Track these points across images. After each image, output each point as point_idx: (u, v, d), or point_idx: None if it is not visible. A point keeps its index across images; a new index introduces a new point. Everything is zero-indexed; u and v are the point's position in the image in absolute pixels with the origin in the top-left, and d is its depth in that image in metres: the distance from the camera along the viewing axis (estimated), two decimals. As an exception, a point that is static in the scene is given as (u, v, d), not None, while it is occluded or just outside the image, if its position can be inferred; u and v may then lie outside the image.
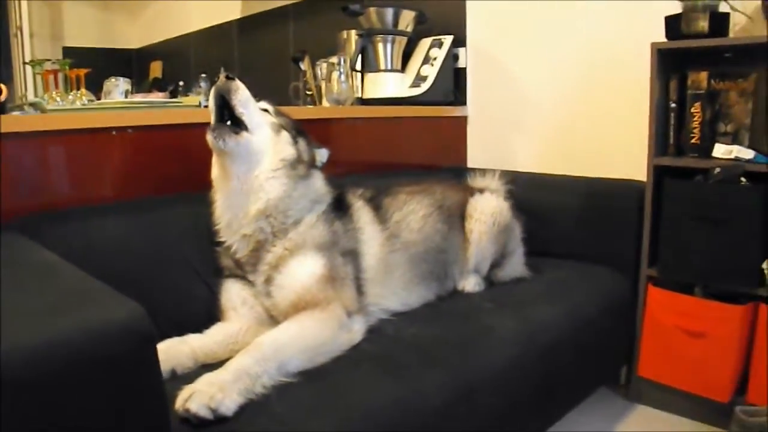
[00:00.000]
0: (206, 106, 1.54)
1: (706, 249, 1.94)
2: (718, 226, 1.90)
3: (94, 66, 2.77)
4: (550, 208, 2.32)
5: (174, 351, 1.35)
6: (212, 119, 1.51)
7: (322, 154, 1.68)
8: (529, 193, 2.28)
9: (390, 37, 2.75)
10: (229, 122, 1.49)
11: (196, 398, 1.08)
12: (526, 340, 1.62)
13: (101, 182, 1.71)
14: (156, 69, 5.01)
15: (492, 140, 2.88)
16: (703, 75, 2.03)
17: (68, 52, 4.64)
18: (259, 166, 1.51)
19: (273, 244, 1.52)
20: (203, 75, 3.47)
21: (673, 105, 2.09)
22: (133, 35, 5.35)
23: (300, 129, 1.64)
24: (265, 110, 1.59)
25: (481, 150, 2.91)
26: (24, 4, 4.57)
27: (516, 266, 2.05)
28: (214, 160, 1.57)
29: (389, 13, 2.74)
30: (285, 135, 1.57)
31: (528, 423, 1.65)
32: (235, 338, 1.46)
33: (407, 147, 2.69)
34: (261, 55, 4.03)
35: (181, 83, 3.78)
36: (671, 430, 2.03)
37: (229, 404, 1.10)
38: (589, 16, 2.46)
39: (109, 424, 0.87)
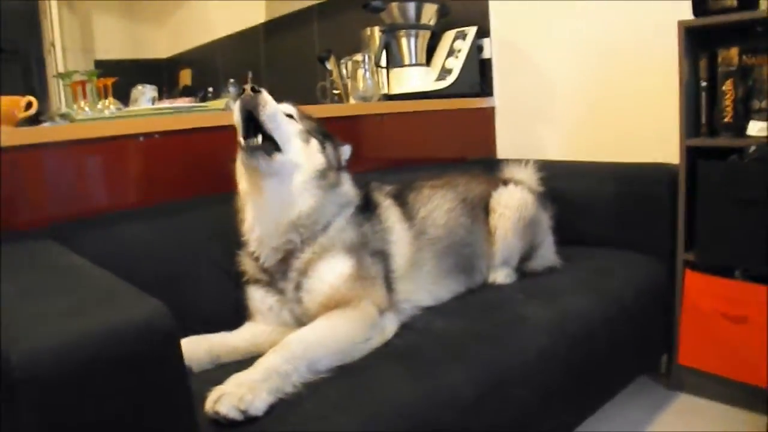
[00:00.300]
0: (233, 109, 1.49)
1: (745, 230, 1.88)
2: (757, 206, 1.84)
3: (126, 77, 2.81)
4: (582, 196, 2.28)
5: (191, 348, 1.34)
6: (240, 134, 1.45)
7: (345, 152, 1.66)
8: (560, 182, 2.26)
9: (413, 32, 2.74)
10: (260, 136, 1.43)
11: (226, 400, 1.08)
12: (558, 330, 1.59)
13: (130, 188, 1.74)
14: (185, 77, 5.08)
15: (521, 130, 2.84)
16: (734, 51, 1.96)
17: (99, 64, 4.72)
18: (292, 180, 1.48)
19: (302, 251, 1.50)
20: (231, 80, 3.52)
21: (703, 84, 2.03)
22: (161, 45, 5.43)
23: (325, 131, 1.62)
24: (290, 116, 1.53)
25: (510, 140, 2.88)
26: (56, 20, 4.69)
27: (546, 256, 2.02)
28: (242, 171, 1.53)
29: (411, 7, 2.72)
30: (314, 143, 1.54)
31: (563, 414, 1.62)
32: (260, 336, 1.47)
33: (436, 140, 2.68)
34: (287, 57, 4.05)
35: (210, 90, 3.83)
36: (715, 417, 1.98)
37: (258, 405, 1.09)
38: (613, -2, 2.41)
39: (135, 421, 0.88)
